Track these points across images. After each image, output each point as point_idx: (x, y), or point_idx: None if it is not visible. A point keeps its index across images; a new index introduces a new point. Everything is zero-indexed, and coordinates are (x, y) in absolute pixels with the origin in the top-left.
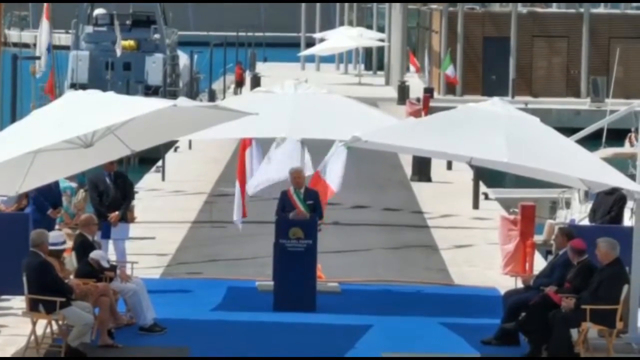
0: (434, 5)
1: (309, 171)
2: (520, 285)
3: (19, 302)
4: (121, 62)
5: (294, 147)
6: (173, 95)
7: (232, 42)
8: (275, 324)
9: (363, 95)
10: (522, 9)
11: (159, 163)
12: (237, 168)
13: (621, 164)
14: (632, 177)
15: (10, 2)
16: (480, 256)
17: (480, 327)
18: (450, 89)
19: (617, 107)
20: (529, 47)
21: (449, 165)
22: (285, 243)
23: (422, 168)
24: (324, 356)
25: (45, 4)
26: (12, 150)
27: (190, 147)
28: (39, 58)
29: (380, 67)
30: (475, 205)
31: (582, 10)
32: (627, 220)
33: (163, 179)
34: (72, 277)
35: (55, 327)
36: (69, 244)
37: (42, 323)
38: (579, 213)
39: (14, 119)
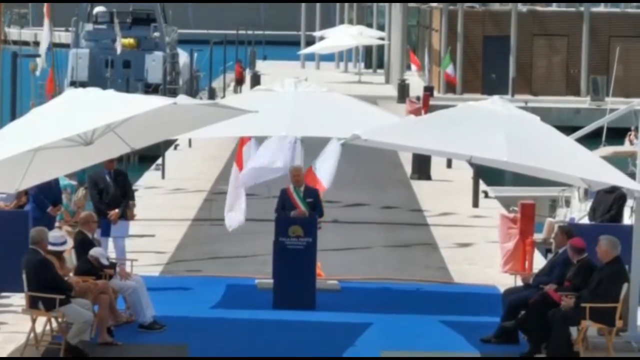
0: (434, 4)
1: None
2: (519, 283)
3: (18, 300)
4: (121, 60)
5: (285, 143)
6: (173, 93)
7: (232, 40)
8: (275, 322)
9: (363, 94)
10: (522, 7)
11: (159, 161)
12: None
13: (621, 162)
14: (632, 175)
15: (10, 2)
16: (480, 254)
17: (479, 325)
18: (450, 87)
19: (617, 106)
20: (529, 46)
21: (449, 164)
22: (285, 241)
23: (422, 166)
24: (324, 354)
25: (45, 4)
26: (12, 148)
27: (190, 145)
28: (39, 55)
29: (380, 65)
30: (475, 204)
31: (582, 9)
32: (627, 219)
33: (163, 176)
34: (71, 274)
35: (54, 324)
36: (70, 243)
37: (41, 320)
38: (579, 211)
39: (13, 116)
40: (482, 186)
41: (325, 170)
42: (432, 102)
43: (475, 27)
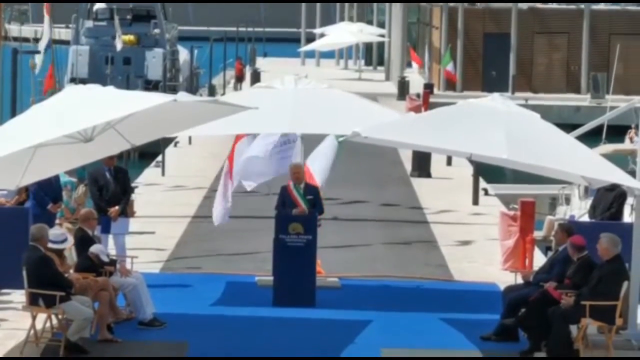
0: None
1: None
2: (519, 281)
3: (18, 296)
4: (121, 57)
5: (280, 147)
6: (173, 90)
7: (232, 37)
8: (275, 319)
9: (363, 91)
10: (522, 5)
11: (159, 158)
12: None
13: (621, 160)
14: (632, 173)
15: (10, 2)
16: (480, 252)
17: (479, 323)
18: (450, 85)
19: (617, 104)
20: (529, 43)
21: (449, 161)
22: (285, 238)
23: (422, 164)
24: (323, 351)
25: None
26: (12, 145)
27: (190, 142)
28: (38, 52)
29: (381, 62)
30: (475, 201)
31: (582, 6)
32: (627, 217)
33: (163, 173)
34: (71, 271)
35: (54, 321)
36: (70, 241)
37: (41, 317)
38: (579, 209)
39: (14, 113)
40: (482, 184)
41: (318, 167)
42: (432, 100)
43: (476, 25)
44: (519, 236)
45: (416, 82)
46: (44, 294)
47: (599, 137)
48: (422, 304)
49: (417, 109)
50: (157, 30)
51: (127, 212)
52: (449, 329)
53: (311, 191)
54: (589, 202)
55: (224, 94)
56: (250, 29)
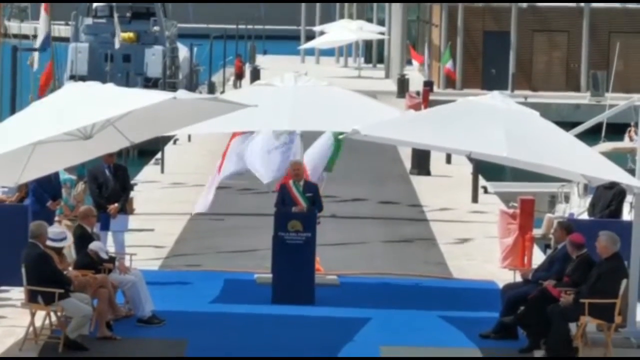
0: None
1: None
2: (519, 279)
3: (17, 294)
4: (121, 54)
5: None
6: (172, 87)
7: (232, 34)
8: (274, 317)
9: (363, 89)
10: (522, 3)
11: (158, 155)
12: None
13: (620, 158)
14: (631, 171)
15: (10, 2)
16: (479, 250)
17: (478, 321)
18: (449, 82)
19: (617, 102)
20: (529, 41)
21: (448, 159)
22: (284, 236)
23: (421, 161)
24: (322, 349)
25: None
26: (12, 142)
27: (189, 139)
28: (37, 50)
29: (380, 60)
30: (475, 199)
31: (582, 4)
32: (626, 215)
33: (162, 171)
34: (70, 268)
35: (54, 318)
36: (70, 239)
37: (40, 314)
38: (578, 207)
39: (13, 110)
40: (482, 182)
41: (313, 165)
42: (431, 97)
43: (476, 22)
44: (518, 234)
45: (416, 79)
46: (43, 291)
47: (598, 135)
48: (421, 301)
49: (416, 107)
50: (156, 28)
51: (126, 209)
52: (448, 327)
53: (310, 188)
54: (588, 200)
55: (223, 91)
56: (250, 27)
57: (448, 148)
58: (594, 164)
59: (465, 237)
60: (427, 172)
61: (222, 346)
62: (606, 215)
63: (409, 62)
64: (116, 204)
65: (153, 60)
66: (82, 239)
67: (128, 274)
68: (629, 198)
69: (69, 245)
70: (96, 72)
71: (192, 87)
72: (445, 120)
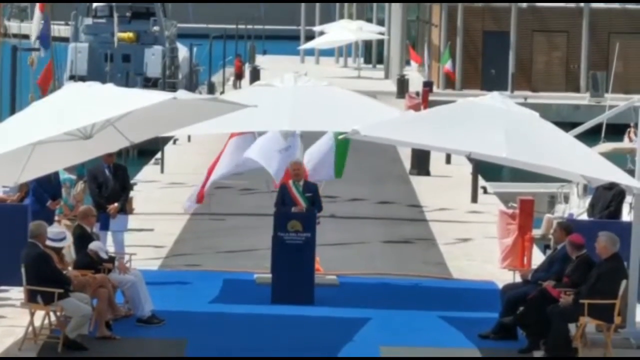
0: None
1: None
2: (518, 279)
3: (17, 293)
4: (120, 54)
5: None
6: (172, 87)
7: (232, 34)
8: (273, 317)
9: (362, 89)
10: (522, 3)
11: (158, 155)
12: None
13: (620, 159)
14: (631, 172)
15: (10, 2)
16: (479, 250)
17: (478, 321)
18: (449, 83)
19: (617, 102)
20: (528, 42)
21: (448, 159)
22: (283, 236)
23: (421, 162)
24: (322, 349)
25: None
26: (12, 142)
27: (189, 139)
28: (38, 49)
29: (380, 60)
30: (474, 199)
31: (582, 5)
32: (626, 215)
33: (162, 171)
34: (70, 268)
35: (53, 318)
36: (69, 239)
37: (40, 314)
38: (578, 208)
39: (13, 110)
40: (481, 182)
41: (312, 161)
42: (431, 98)
43: (475, 23)
44: (517, 234)
45: (415, 80)
46: (42, 291)
47: (598, 136)
48: (421, 302)
49: (416, 107)
50: (156, 28)
51: (126, 209)
52: (447, 327)
53: (310, 188)
54: (587, 201)
55: (223, 91)
56: (249, 27)
57: (448, 148)
58: (593, 164)
59: (464, 237)
60: (426, 172)
61: (222, 346)
62: (606, 216)
63: (409, 63)
64: (116, 204)
65: (153, 60)
66: (82, 238)
67: (127, 274)
68: (628, 199)
69: (68, 245)
70: (96, 72)
71: (191, 87)
72: (445, 121)
